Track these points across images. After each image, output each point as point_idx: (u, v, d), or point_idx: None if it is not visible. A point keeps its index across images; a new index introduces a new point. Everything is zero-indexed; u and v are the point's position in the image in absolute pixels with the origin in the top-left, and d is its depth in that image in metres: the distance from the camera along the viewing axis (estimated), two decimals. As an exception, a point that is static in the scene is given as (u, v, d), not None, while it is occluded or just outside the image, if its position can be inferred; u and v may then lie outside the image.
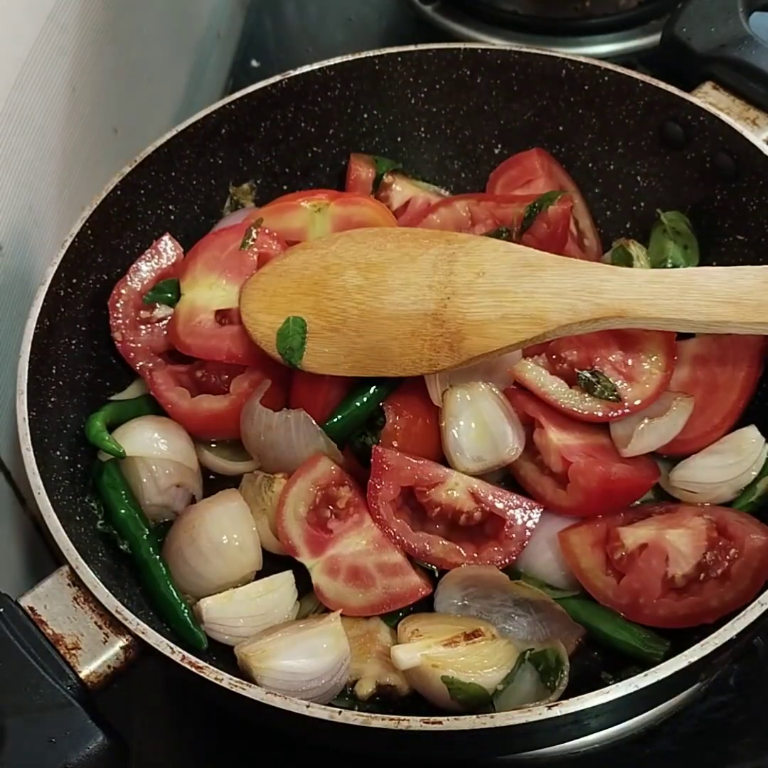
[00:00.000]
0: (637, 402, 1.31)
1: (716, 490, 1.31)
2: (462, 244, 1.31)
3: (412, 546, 1.28)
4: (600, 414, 1.32)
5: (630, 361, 1.33)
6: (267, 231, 1.44)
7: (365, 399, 1.34)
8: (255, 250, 1.43)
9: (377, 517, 1.28)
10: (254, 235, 1.43)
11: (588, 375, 1.32)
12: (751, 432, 1.32)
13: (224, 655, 1.24)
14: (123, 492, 1.31)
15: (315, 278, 1.35)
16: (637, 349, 1.34)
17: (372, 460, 1.29)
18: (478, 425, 1.31)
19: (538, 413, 1.32)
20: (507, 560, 1.27)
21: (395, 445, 1.33)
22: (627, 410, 1.31)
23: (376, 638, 1.25)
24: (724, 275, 1.23)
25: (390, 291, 1.30)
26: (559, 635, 1.23)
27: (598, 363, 1.33)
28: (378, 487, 1.28)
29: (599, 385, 1.31)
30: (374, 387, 1.33)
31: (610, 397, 1.31)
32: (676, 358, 1.35)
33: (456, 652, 1.16)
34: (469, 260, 1.29)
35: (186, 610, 1.25)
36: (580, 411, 1.32)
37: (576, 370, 1.33)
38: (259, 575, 1.31)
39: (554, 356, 1.36)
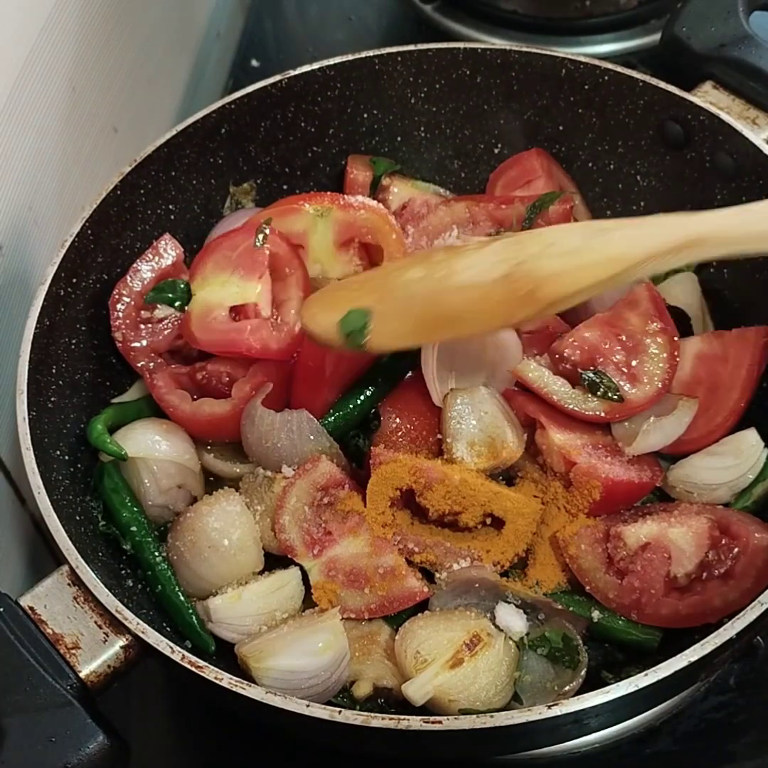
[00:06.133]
0: (640, 402, 1.31)
1: (714, 492, 1.31)
2: (528, 232, 1.28)
3: (412, 547, 1.27)
4: (603, 414, 1.31)
5: (633, 362, 1.33)
6: (276, 232, 1.45)
7: (359, 401, 1.34)
8: (267, 246, 1.43)
9: (376, 518, 1.28)
10: (266, 232, 1.43)
11: (591, 375, 1.32)
12: (751, 435, 1.32)
13: (226, 655, 1.24)
14: (125, 495, 1.31)
15: (376, 283, 1.33)
16: (640, 350, 1.34)
17: (371, 461, 1.29)
18: (478, 427, 1.31)
19: (540, 414, 1.32)
20: (508, 560, 1.27)
21: (395, 446, 1.33)
22: (630, 411, 1.31)
23: (377, 640, 1.25)
24: None
25: (455, 273, 1.24)
26: (552, 620, 1.23)
27: (600, 363, 1.33)
28: (377, 488, 1.28)
29: (602, 386, 1.31)
30: (369, 389, 1.33)
31: (613, 397, 1.31)
32: (678, 358, 1.34)
33: (464, 675, 1.16)
34: (536, 239, 1.23)
35: (193, 614, 1.25)
36: (583, 411, 1.31)
37: (579, 370, 1.33)
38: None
39: (557, 356, 1.35)
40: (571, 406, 1.31)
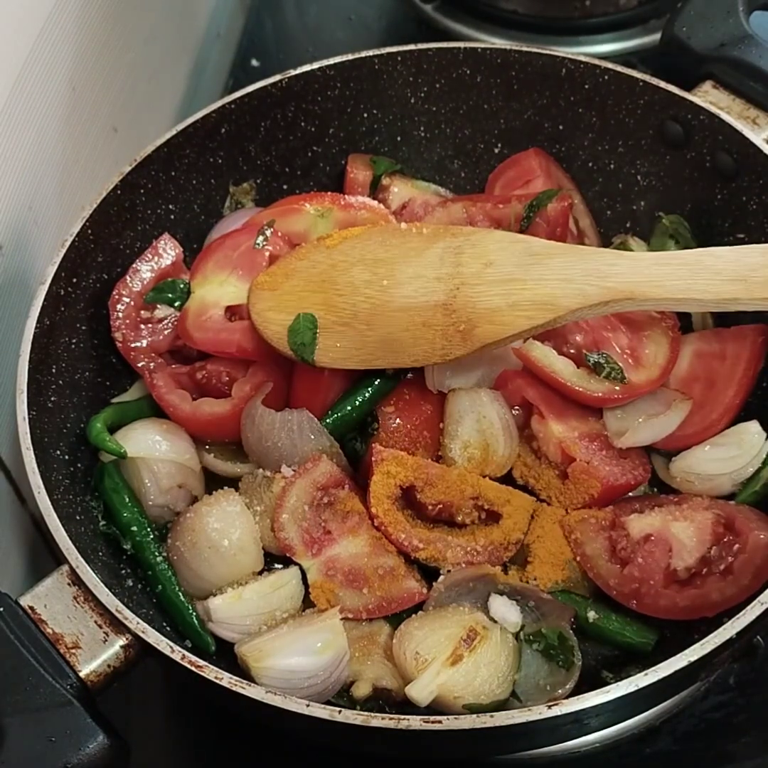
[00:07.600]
0: (643, 385, 1.32)
1: (715, 481, 1.32)
2: (467, 237, 1.32)
3: (416, 544, 1.27)
4: (607, 395, 1.32)
5: (636, 346, 1.35)
6: (279, 233, 1.45)
7: (358, 402, 1.34)
8: (268, 248, 1.43)
9: (376, 516, 1.28)
10: (267, 234, 1.44)
11: (596, 356, 1.33)
12: (753, 426, 1.33)
13: (226, 655, 1.24)
14: (125, 495, 1.31)
15: (323, 276, 1.35)
16: (643, 336, 1.35)
17: (373, 458, 1.29)
18: (475, 428, 1.32)
19: (539, 400, 1.33)
20: (506, 555, 1.28)
21: (395, 446, 1.33)
22: (632, 393, 1.32)
23: (377, 641, 1.25)
24: (731, 254, 1.24)
25: (399, 284, 1.30)
26: (549, 617, 1.23)
27: (604, 348, 1.35)
28: (377, 485, 1.28)
29: (607, 367, 1.32)
30: (368, 390, 1.34)
31: (617, 379, 1.31)
32: (679, 344, 1.35)
33: (466, 671, 1.16)
34: (475, 251, 1.30)
35: (194, 614, 1.25)
36: (587, 391, 1.32)
37: (584, 351, 1.34)
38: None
39: (561, 339, 1.36)
40: (576, 386, 1.32)
